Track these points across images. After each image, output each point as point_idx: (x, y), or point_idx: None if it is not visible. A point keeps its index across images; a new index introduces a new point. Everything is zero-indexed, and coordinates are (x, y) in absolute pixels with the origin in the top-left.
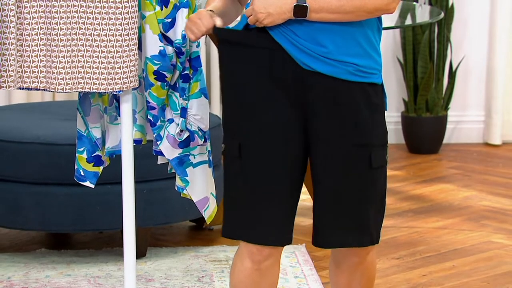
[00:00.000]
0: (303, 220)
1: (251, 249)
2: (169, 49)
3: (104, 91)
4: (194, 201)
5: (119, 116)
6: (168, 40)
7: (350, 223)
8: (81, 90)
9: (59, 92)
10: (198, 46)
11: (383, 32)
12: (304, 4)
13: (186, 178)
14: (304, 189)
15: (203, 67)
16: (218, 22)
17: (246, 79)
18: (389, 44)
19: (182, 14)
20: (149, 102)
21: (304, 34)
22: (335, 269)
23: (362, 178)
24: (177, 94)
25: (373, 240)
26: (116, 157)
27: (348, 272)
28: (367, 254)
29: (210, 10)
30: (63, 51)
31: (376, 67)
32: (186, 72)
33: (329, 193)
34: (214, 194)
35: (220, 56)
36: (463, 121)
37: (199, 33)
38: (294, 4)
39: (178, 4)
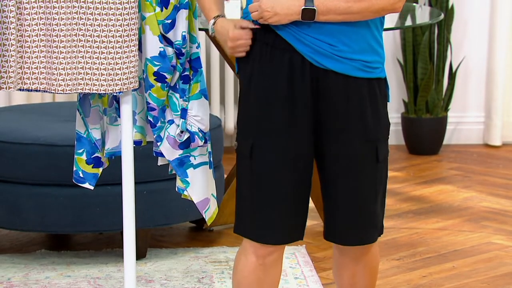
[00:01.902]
0: None
1: (255, 244)
2: (169, 50)
3: (104, 92)
4: (195, 202)
5: (119, 117)
6: (168, 41)
7: (365, 219)
8: (81, 91)
9: (59, 93)
10: (198, 47)
11: (383, 33)
12: (312, 7)
13: (186, 179)
14: None
15: (203, 68)
16: (250, 26)
17: (267, 80)
18: (389, 45)
19: (182, 15)
20: (149, 103)
21: (311, 33)
22: (338, 263)
23: (371, 173)
24: (177, 95)
25: (380, 232)
26: (116, 158)
27: (352, 264)
28: (370, 246)
29: (221, 16)
30: (63, 52)
31: (380, 60)
32: (186, 73)
33: (344, 191)
34: (215, 195)
35: (249, 55)
36: (463, 122)
37: (247, 47)
38: (302, 7)
39: (178, 5)
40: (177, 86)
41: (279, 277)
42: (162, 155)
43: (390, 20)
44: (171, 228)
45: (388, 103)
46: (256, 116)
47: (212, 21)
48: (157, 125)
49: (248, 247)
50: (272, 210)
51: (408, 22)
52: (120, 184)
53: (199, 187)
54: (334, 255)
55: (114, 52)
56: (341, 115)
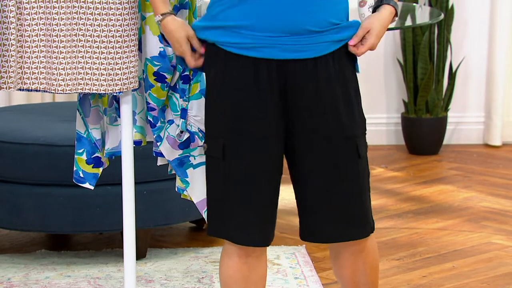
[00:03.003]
0: None
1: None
2: (169, 50)
3: (104, 92)
4: (195, 202)
5: (119, 117)
6: (168, 41)
7: (348, 216)
8: (81, 91)
9: (59, 93)
10: None
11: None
12: (397, 10)
13: (186, 179)
14: None
15: None
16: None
17: (233, 80)
18: (389, 45)
19: (182, 15)
20: (149, 103)
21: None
22: (337, 262)
23: (353, 169)
24: (177, 95)
25: (372, 227)
26: (116, 158)
27: (351, 263)
28: (366, 241)
29: (169, 13)
30: (63, 52)
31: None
32: (186, 73)
33: (322, 190)
34: None
35: (210, 57)
36: (463, 122)
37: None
38: (395, 15)
39: (178, 5)
40: (177, 86)
41: (265, 272)
42: (162, 155)
43: None
44: (171, 228)
45: (358, 73)
46: (225, 117)
47: (159, 17)
48: (157, 125)
49: (229, 247)
50: (249, 212)
51: (408, 22)
52: (120, 184)
53: (199, 187)
54: (330, 256)
55: (114, 52)
56: (313, 112)
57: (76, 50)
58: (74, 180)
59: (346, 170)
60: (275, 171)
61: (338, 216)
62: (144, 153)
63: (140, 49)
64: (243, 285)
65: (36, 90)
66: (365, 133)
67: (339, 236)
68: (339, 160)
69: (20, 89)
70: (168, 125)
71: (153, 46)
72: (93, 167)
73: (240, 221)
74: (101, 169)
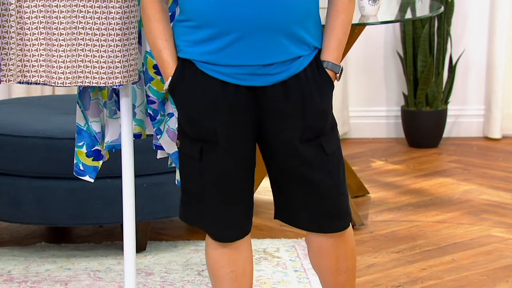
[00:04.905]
0: None
1: None
2: None
3: (104, 85)
4: None
5: (119, 110)
6: None
7: (328, 211)
8: (81, 84)
9: (59, 86)
10: None
11: (383, 26)
12: (341, 71)
13: None
14: None
15: None
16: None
17: (203, 85)
18: (389, 38)
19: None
20: (149, 96)
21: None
22: (318, 253)
23: (323, 168)
24: None
25: (349, 218)
26: (115, 151)
27: (333, 250)
28: (343, 232)
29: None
30: (63, 45)
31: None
32: None
33: (296, 190)
34: None
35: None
36: (463, 115)
37: None
38: (335, 78)
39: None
40: None
41: (251, 254)
42: (162, 148)
43: (390, 13)
44: (171, 221)
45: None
46: (198, 124)
47: (169, 82)
48: (157, 118)
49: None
50: (228, 209)
51: (408, 15)
52: (120, 177)
53: None
54: (309, 247)
55: (114, 45)
56: (280, 114)
57: (76, 43)
58: (74, 173)
59: (316, 169)
60: (249, 168)
61: (317, 212)
62: (144, 146)
63: (140, 42)
64: (231, 268)
65: (36, 83)
66: (335, 127)
67: (321, 228)
68: (306, 161)
69: (20, 82)
70: (168, 118)
71: None
72: (93, 160)
73: (216, 217)
74: (101, 162)
